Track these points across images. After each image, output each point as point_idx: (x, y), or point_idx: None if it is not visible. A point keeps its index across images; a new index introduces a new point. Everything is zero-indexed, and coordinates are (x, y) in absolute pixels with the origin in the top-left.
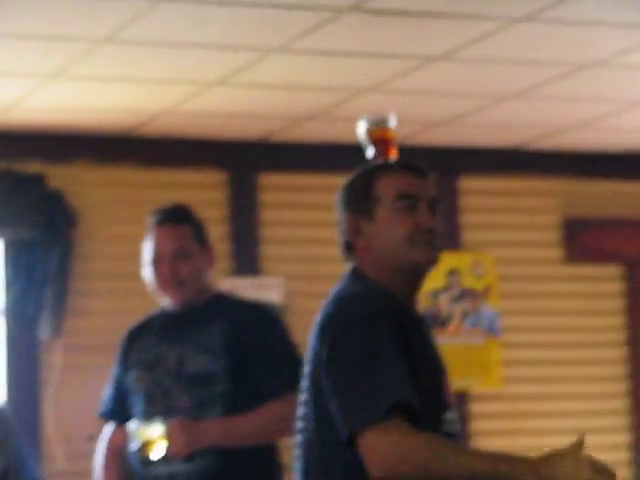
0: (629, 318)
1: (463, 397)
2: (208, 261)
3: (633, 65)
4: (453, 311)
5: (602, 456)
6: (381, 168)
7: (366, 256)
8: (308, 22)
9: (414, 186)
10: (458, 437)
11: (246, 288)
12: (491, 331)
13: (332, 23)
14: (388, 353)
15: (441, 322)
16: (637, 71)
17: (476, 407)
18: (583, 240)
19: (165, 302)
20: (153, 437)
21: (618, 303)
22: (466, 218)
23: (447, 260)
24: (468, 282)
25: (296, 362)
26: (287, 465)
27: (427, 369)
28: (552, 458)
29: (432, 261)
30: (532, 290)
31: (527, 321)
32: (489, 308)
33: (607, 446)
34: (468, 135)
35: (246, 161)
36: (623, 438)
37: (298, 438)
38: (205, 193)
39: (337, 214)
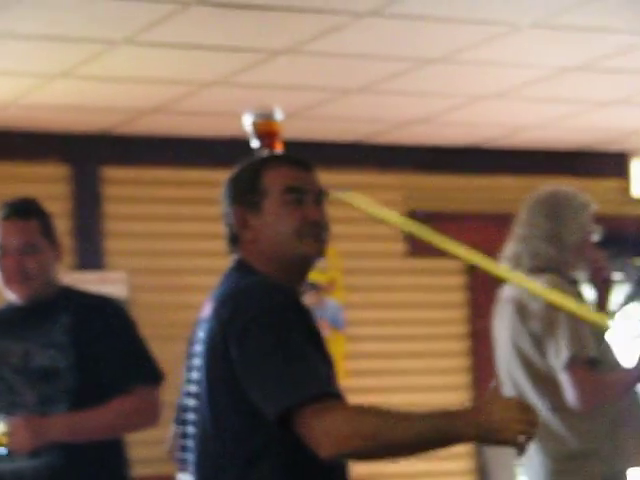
0: (471, 311)
1: None
2: (55, 256)
3: (476, 61)
4: None
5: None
6: (268, 161)
7: (253, 249)
8: (154, 14)
9: (301, 179)
10: None
11: (89, 282)
12: (335, 325)
13: (178, 15)
14: (303, 340)
15: None
16: (479, 67)
17: None
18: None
19: (11, 297)
20: None
21: (460, 296)
22: None
23: None
24: (312, 276)
25: (144, 356)
26: (133, 460)
27: (327, 361)
28: (483, 406)
29: (320, 253)
30: (376, 283)
31: (371, 314)
32: (333, 302)
33: None
34: (313, 129)
35: (89, 154)
36: None
37: (188, 429)
38: (47, 187)
39: (222, 207)
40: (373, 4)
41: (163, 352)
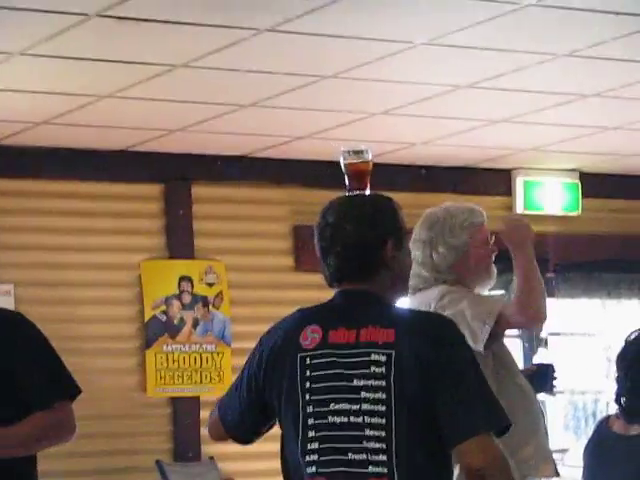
0: None
1: (196, 403)
2: None
3: (367, 78)
4: (185, 318)
5: None
6: (394, 202)
7: (388, 279)
8: (53, 27)
9: None
10: None
11: None
12: (222, 338)
13: (77, 28)
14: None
15: (173, 329)
16: (370, 84)
17: (207, 414)
18: (312, 248)
19: None
20: None
21: None
22: (198, 225)
23: (179, 267)
24: (200, 289)
25: (61, 371)
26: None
27: None
28: None
29: None
30: (263, 297)
31: (258, 328)
32: (220, 315)
33: None
34: (206, 142)
35: None
36: None
37: (362, 444)
38: None
39: (356, 233)
40: (271, 21)
41: None
